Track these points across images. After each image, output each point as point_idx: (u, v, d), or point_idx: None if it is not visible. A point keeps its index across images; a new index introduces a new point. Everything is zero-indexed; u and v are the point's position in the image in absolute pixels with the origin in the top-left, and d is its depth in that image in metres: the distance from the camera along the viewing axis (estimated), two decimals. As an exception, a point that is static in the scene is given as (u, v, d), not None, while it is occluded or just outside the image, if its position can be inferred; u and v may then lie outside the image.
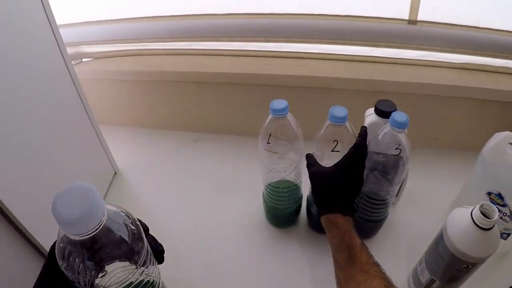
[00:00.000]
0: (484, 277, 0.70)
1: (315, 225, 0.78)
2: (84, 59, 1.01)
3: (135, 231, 0.36)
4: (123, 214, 0.36)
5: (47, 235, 0.62)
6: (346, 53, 0.93)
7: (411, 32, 0.88)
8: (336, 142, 0.63)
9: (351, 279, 0.51)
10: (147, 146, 1.03)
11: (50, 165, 0.68)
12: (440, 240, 0.58)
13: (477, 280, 0.66)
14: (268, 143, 0.63)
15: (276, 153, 0.65)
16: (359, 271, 0.51)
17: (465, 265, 0.56)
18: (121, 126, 1.09)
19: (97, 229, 0.30)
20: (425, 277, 0.63)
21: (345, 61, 0.93)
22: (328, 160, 0.64)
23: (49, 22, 0.67)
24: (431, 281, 0.62)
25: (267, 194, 0.75)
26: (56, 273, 0.34)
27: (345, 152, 0.61)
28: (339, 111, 0.61)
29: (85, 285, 0.33)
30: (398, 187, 0.71)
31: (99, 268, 0.33)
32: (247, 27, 0.93)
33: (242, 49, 0.97)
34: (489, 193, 0.69)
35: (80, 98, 0.77)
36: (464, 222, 0.55)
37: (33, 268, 0.63)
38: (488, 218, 0.53)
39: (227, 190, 0.90)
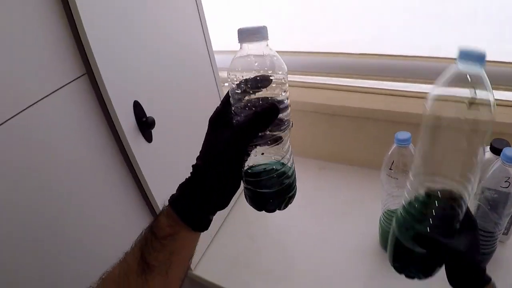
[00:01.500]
0: None
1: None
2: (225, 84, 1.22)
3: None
4: None
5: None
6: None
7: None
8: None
9: None
10: None
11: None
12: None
13: None
14: (390, 169, 0.70)
15: (397, 179, 0.70)
16: None
17: None
18: None
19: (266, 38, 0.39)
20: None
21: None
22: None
23: (206, 45, 0.83)
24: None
25: (383, 219, 0.80)
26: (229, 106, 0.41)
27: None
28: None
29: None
30: (507, 221, 0.70)
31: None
32: (381, 66, 1.01)
33: (374, 87, 1.05)
34: None
35: None
36: None
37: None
38: None
39: (346, 215, 0.96)
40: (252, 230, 0.97)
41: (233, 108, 0.42)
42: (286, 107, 0.41)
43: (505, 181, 0.62)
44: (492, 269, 0.72)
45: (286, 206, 0.46)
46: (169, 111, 0.75)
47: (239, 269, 0.88)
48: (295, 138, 1.14)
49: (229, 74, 0.40)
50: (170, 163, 0.76)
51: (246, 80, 0.39)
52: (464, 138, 0.42)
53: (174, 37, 0.75)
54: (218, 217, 0.92)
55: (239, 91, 0.40)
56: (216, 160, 0.39)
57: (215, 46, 0.88)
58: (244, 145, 0.39)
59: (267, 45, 0.39)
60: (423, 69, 0.96)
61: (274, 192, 0.43)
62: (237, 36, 0.39)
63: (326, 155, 1.16)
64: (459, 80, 0.39)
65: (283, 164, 0.44)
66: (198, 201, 0.40)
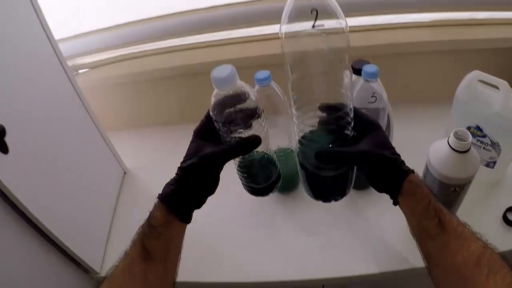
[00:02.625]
0: (481, 204, 0.75)
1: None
2: (80, 71, 1.07)
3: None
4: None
5: (66, 233, 0.69)
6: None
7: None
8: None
9: (444, 248, 0.43)
10: (153, 143, 1.09)
11: (65, 171, 0.73)
12: (427, 172, 0.64)
13: (475, 206, 0.71)
14: None
15: (266, 118, 0.70)
16: (453, 237, 0.43)
17: (452, 188, 0.61)
18: (126, 129, 1.14)
19: (235, 83, 0.45)
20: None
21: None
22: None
23: (48, 37, 0.73)
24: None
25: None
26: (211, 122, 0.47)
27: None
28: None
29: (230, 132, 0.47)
30: None
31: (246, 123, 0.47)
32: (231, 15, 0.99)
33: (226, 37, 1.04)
34: (468, 128, 0.74)
35: (85, 108, 0.84)
36: (444, 150, 0.60)
37: (54, 266, 0.69)
38: (463, 141, 0.58)
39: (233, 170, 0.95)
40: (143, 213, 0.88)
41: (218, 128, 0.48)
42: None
43: (372, 96, 0.66)
44: None
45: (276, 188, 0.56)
46: (21, 113, 0.63)
47: None
48: (161, 108, 1.11)
49: (212, 113, 0.47)
50: (37, 170, 0.66)
51: (225, 121, 0.46)
52: (326, 66, 0.45)
53: (8, 33, 0.63)
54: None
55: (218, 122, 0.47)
56: (197, 169, 0.46)
57: (58, 35, 0.77)
58: (223, 163, 0.47)
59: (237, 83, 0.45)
60: (275, 10, 0.97)
61: (264, 178, 0.54)
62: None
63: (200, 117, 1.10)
64: (303, 13, 0.40)
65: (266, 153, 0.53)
66: (182, 199, 0.47)
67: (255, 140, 0.46)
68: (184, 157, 0.48)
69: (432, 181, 0.63)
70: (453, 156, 0.59)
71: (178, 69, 1.01)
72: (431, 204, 0.44)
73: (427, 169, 0.64)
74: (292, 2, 0.40)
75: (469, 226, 0.45)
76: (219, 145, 0.48)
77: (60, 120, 0.75)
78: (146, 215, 0.48)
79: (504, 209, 0.73)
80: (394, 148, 0.48)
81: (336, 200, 0.53)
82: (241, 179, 0.56)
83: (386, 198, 0.49)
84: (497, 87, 0.69)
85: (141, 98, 1.08)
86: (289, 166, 0.78)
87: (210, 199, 0.51)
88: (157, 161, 1.02)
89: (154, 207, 0.48)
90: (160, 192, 0.48)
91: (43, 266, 0.67)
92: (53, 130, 0.72)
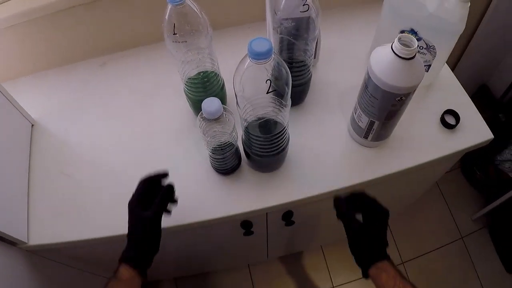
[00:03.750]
0: (417, 109, 0.76)
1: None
2: None
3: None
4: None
5: None
6: None
7: None
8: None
9: None
10: (56, 87, 0.93)
11: None
12: (368, 82, 0.60)
13: (411, 113, 0.71)
14: (174, 34, 0.59)
15: (186, 41, 0.62)
16: None
17: (398, 98, 0.59)
18: (24, 76, 0.95)
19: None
20: (363, 121, 0.67)
21: None
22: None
23: None
24: (371, 123, 0.66)
25: (188, 89, 0.73)
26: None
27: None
28: None
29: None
30: (314, 46, 0.71)
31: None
32: None
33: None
34: (402, 32, 0.71)
35: None
36: (387, 57, 0.56)
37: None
38: (408, 47, 0.54)
39: (151, 102, 0.86)
40: (63, 168, 0.79)
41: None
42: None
43: (304, 5, 0.59)
44: (313, 94, 0.81)
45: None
46: None
47: (72, 210, 0.74)
48: (58, 47, 0.91)
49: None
50: None
51: None
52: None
53: None
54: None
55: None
56: (138, 238, 0.57)
57: None
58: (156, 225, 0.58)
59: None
60: None
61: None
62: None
63: (102, 48, 0.96)
64: None
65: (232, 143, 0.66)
66: (135, 260, 0.56)
67: (171, 187, 0.61)
68: (128, 229, 0.58)
69: (375, 92, 0.60)
70: (399, 63, 0.56)
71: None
72: (396, 284, 0.52)
73: (368, 78, 0.60)
74: None
75: None
76: (144, 211, 0.57)
77: None
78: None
79: (441, 112, 0.75)
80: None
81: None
82: (210, 162, 0.71)
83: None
84: (431, -13, 0.65)
85: (34, 39, 0.88)
86: (211, 90, 0.72)
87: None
88: (64, 105, 0.89)
89: (118, 266, 0.55)
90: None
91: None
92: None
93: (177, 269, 1.34)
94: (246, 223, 0.76)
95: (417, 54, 0.56)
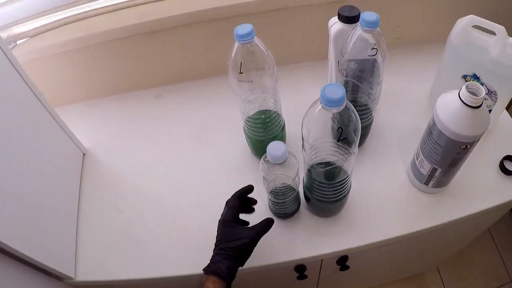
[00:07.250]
0: (477, 154, 0.74)
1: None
2: (18, 42, 0.87)
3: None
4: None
5: (27, 242, 0.57)
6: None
7: None
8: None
9: None
10: (108, 116, 0.94)
11: (16, 164, 0.60)
12: (433, 128, 0.59)
13: (469, 158, 0.69)
14: (240, 73, 0.60)
15: (251, 82, 0.62)
16: None
17: (463, 146, 0.57)
18: (76, 103, 0.98)
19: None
20: (426, 168, 0.65)
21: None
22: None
23: None
24: (433, 170, 0.64)
25: (248, 128, 0.72)
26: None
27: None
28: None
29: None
30: (378, 90, 0.70)
31: None
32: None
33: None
34: (464, 76, 0.71)
35: (26, 83, 0.67)
36: (454, 105, 0.56)
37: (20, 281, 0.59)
38: (476, 96, 0.54)
39: (206, 137, 0.86)
40: (114, 201, 0.79)
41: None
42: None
43: (372, 49, 0.60)
44: (373, 136, 0.78)
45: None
46: None
47: (122, 246, 0.73)
48: (113, 75, 0.93)
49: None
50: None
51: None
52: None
53: None
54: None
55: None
56: (235, 252, 0.56)
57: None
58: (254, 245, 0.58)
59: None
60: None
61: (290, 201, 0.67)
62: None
63: (159, 80, 0.97)
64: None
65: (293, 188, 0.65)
66: (225, 273, 0.55)
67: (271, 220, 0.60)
68: (217, 240, 0.58)
69: (440, 138, 0.59)
70: (465, 111, 0.55)
71: (132, 28, 0.84)
72: None
73: (433, 125, 0.59)
74: None
75: None
76: (246, 228, 0.60)
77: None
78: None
79: (501, 158, 0.73)
80: None
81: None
82: (269, 205, 0.70)
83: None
84: (493, 33, 0.65)
85: (89, 66, 0.91)
86: (272, 130, 0.72)
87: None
88: (116, 135, 0.89)
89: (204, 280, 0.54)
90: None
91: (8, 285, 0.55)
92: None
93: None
94: (300, 267, 0.74)
95: (483, 103, 0.55)
